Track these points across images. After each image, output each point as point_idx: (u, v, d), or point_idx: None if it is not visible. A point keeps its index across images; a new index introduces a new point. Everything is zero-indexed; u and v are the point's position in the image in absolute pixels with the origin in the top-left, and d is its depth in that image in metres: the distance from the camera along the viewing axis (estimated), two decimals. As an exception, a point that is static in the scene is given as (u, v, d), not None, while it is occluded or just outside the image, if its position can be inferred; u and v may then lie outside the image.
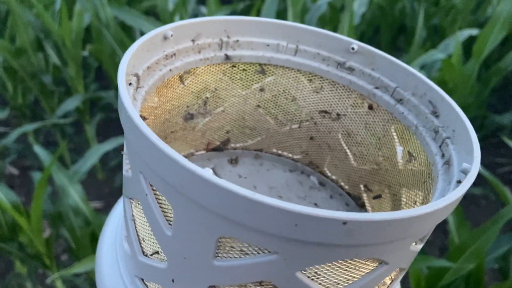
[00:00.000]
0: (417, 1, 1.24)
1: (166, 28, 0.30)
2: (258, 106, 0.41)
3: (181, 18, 1.17)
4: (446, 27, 1.30)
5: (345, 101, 0.35)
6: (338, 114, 0.36)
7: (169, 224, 0.21)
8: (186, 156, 0.43)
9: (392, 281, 0.24)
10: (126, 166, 0.25)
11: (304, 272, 0.20)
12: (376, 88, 0.31)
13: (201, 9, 1.45)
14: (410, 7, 1.34)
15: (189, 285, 0.22)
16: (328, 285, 0.21)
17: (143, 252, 0.25)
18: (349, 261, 0.20)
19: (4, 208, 0.79)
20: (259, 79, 0.37)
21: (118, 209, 0.34)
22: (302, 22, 1.25)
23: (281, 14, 1.35)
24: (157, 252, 0.24)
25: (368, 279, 0.21)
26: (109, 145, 0.98)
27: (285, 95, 0.38)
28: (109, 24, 1.12)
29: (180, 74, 0.33)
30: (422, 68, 1.06)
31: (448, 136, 0.25)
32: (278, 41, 0.34)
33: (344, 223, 0.17)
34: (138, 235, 0.26)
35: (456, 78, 1.00)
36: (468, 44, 1.14)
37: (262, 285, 0.21)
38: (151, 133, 0.19)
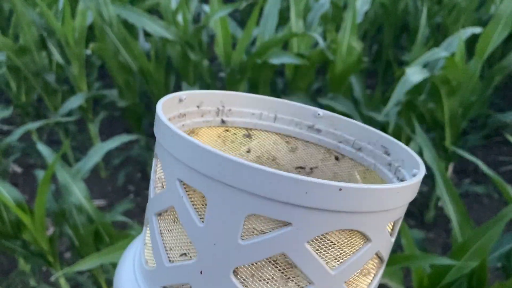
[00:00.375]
0: (420, 0, 1.24)
1: (181, 94, 0.38)
2: None
3: (184, 17, 1.17)
4: (449, 26, 1.29)
5: (316, 156, 0.43)
6: (311, 168, 0.43)
7: (200, 217, 0.26)
8: None
9: (375, 275, 0.29)
10: (157, 185, 0.30)
11: (312, 244, 0.25)
12: (340, 142, 0.40)
13: (204, 8, 1.45)
14: (413, 6, 1.34)
15: (216, 271, 0.26)
16: (327, 260, 0.26)
17: (170, 260, 0.29)
18: (343, 234, 0.25)
19: (8, 206, 0.80)
20: (246, 142, 0.45)
21: (132, 247, 0.38)
22: (304, 21, 1.25)
23: (283, 13, 1.35)
24: (184, 254, 0.28)
25: (358, 255, 0.26)
26: (112, 143, 0.99)
27: (267, 155, 0.45)
28: (112, 23, 1.12)
29: (187, 133, 0.40)
30: (425, 66, 1.05)
31: (399, 165, 0.33)
32: (261, 110, 0.43)
33: (340, 189, 0.23)
34: (165, 246, 0.29)
35: (459, 77, 1.00)
36: (471, 43, 1.14)
37: (277, 263, 0.26)
38: (187, 136, 0.25)
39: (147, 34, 1.33)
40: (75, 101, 1.16)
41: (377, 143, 0.37)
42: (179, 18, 1.20)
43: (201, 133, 0.43)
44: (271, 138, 0.45)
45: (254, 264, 0.26)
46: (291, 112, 0.43)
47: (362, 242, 0.27)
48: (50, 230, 1.09)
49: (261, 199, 0.24)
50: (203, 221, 0.26)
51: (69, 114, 1.26)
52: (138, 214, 1.24)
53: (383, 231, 0.27)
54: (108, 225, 0.83)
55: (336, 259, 0.26)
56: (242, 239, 0.25)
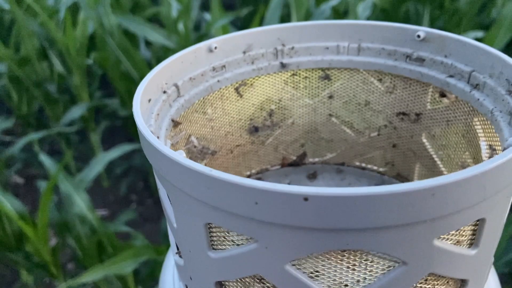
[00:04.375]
0: (422, 4, 1.24)
1: (211, 42, 0.31)
2: (330, 115, 0.38)
3: (185, 25, 1.17)
4: (450, 30, 1.29)
5: (422, 97, 0.32)
6: (417, 114, 0.33)
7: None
8: (260, 172, 0.42)
9: None
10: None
11: (298, 267, 0.19)
12: (450, 76, 0.28)
13: (205, 16, 1.45)
14: (414, 10, 1.34)
15: (201, 282, 0.23)
16: (332, 286, 0.19)
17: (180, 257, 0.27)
18: (351, 255, 0.18)
19: (10, 217, 0.79)
20: (325, 85, 0.36)
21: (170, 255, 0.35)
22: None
23: (284, 19, 1.35)
24: (177, 253, 0.26)
25: (384, 281, 0.18)
26: (114, 153, 0.98)
27: (356, 100, 0.35)
28: (113, 32, 1.12)
29: (236, 86, 0.34)
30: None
31: None
32: (337, 42, 0.32)
33: (306, 199, 0.16)
34: (176, 243, 0.27)
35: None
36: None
37: (263, 283, 0.21)
38: (152, 139, 0.21)
39: (148, 43, 1.33)
40: (77, 111, 1.15)
41: (501, 75, 0.25)
42: (180, 26, 1.20)
43: (258, 84, 0.35)
44: (357, 77, 0.34)
45: (240, 280, 0.22)
46: (381, 38, 0.31)
47: (389, 264, 0.19)
48: (53, 241, 1.08)
49: (211, 207, 0.19)
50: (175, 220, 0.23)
51: (71, 124, 1.25)
52: (141, 224, 1.23)
53: (425, 249, 0.18)
54: (112, 235, 0.83)
55: (346, 285, 0.19)
56: (213, 250, 0.21)
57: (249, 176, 0.42)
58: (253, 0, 1.63)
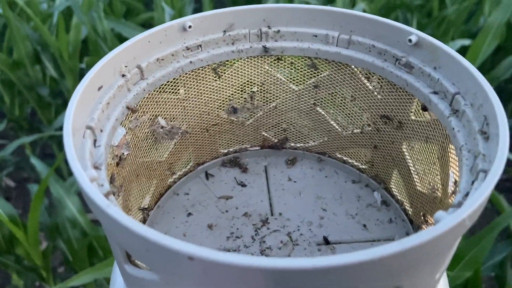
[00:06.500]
0: (410, 12, 1.26)
1: (185, 19, 0.28)
2: (315, 104, 0.38)
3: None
4: (439, 38, 1.31)
5: (406, 106, 0.29)
6: (399, 122, 0.31)
7: None
8: (238, 151, 0.41)
9: None
10: None
11: None
12: (435, 93, 0.26)
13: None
14: (403, 18, 1.36)
15: None
16: None
17: None
18: None
19: (1, 220, 0.79)
20: (311, 74, 0.34)
21: None
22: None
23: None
24: None
25: None
26: (106, 157, 0.98)
27: (342, 94, 0.34)
28: (106, 37, 1.13)
29: (214, 67, 0.32)
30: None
31: (485, 169, 0.20)
32: (327, 31, 0.30)
33: (190, 258, 0.14)
34: None
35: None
36: (461, 54, 1.16)
37: None
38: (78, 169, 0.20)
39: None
40: (69, 115, 1.15)
41: (480, 108, 0.23)
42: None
43: (239, 65, 0.32)
44: (345, 70, 0.32)
45: None
46: (373, 33, 0.29)
47: None
48: (44, 245, 1.08)
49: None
50: None
51: (63, 127, 1.25)
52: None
53: None
54: (102, 239, 0.83)
55: None
56: (129, 265, 0.22)
57: (226, 154, 0.41)
58: (245, 4, 1.64)
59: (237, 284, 0.15)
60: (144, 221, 0.35)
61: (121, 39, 1.24)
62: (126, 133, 0.29)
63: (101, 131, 0.26)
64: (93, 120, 0.25)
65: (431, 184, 0.31)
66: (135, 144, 0.31)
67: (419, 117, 0.29)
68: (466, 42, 1.08)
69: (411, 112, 0.30)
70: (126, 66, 0.28)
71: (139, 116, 0.31)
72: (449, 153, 0.27)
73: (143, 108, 0.31)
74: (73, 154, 0.20)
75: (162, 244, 0.15)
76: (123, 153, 0.29)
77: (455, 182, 0.25)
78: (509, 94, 1.24)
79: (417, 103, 0.29)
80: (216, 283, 0.15)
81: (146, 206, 0.35)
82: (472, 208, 0.17)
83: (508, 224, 0.75)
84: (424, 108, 0.28)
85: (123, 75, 0.28)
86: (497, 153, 0.19)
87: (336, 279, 0.15)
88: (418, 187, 0.33)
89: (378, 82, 0.31)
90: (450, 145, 0.26)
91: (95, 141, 0.25)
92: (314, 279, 0.14)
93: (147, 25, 1.57)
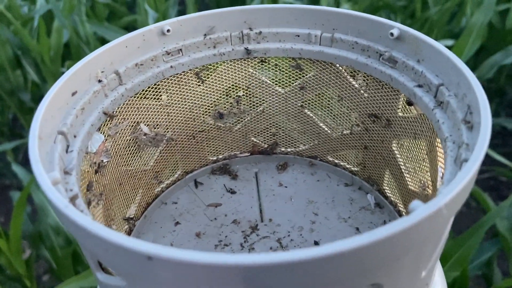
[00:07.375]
0: (393, 13, 1.27)
1: (164, 23, 0.28)
2: (302, 106, 0.37)
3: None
4: (423, 38, 1.32)
5: (393, 103, 0.29)
6: (387, 120, 0.31)
7: None
8: (228, 158, 0.40)
9: None
10: None
11: None
12: (419, 86, 0.26)
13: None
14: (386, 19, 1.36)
15: None
16: None
17: None
18: None
19: (-18, 229, 0.77)
20: (296, 76, 0.33)
21: None
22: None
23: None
24: None
25: None
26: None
27: (329, 94, 0.33)
28: (88, 40, 1.11)
29: (196, 71, 0.31)
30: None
31: (467, 158, 0.20)
32: (309, 30, 0.29)
33: (149, 258, 0.14)
34: None
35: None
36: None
37: None
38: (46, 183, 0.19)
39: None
40: (52, 120, 1.14)
41: (464, 98, 0.23)
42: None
43: (222, 69, 0.32)
44: (330, 69, 0.32)
45: None
46: (356, 30, 0.29)
47: None
48: (27, 253, 1.05)
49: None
50: None
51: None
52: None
53: None
54: (87, 246, 0.81)
55: None
56: (101, 272, 0.22)
57: (215, 162, 0.40)
58: (230, 6, 1.64)
59: (208, 285, 0.14)
60: (130, 231, 0.34)
61: (104, 42, 1.23)
62: (106, 139, 0.28)
63: (75, 136, 0.25)
64: (66, 125, 0.24)
65: (422, 181, 0.30)
66: (116, 152, 0.30)
67: (406, 113, 0.29)
68: (449, 42, 1.09)
69: (398, 108, 0.30)
70: (102, 72, 0.27)
71: (119, 122, 0.30)
72: (436, 147, 0.26)
73: (123, 114, 0.30)
74: (36, 156, 0.19)
75: (118, 243, 0.15)
76: (102, 160, 0.28)
77: (442, 177, 0.25)
78: (492, 94, 1.26)
79: (403, 99, 0.29)
80: None
81: (131, 216, 0.34)
82: (448, 197, 0.16)
83: (494, 222, 0.75)
84: (410, 103, 0.28)
85: (100, 81, 0.27)
86: (478, 139, 0.19)
87: (302, 274, 0.14)
88: (410, 186, 0.33)
89: (364, 80, 0.31)
90: (437, 138, 0.26)
91: (68, 146, 0.24)
92: (280, 276, 0.14)
93: (131, 28, 1.55)
